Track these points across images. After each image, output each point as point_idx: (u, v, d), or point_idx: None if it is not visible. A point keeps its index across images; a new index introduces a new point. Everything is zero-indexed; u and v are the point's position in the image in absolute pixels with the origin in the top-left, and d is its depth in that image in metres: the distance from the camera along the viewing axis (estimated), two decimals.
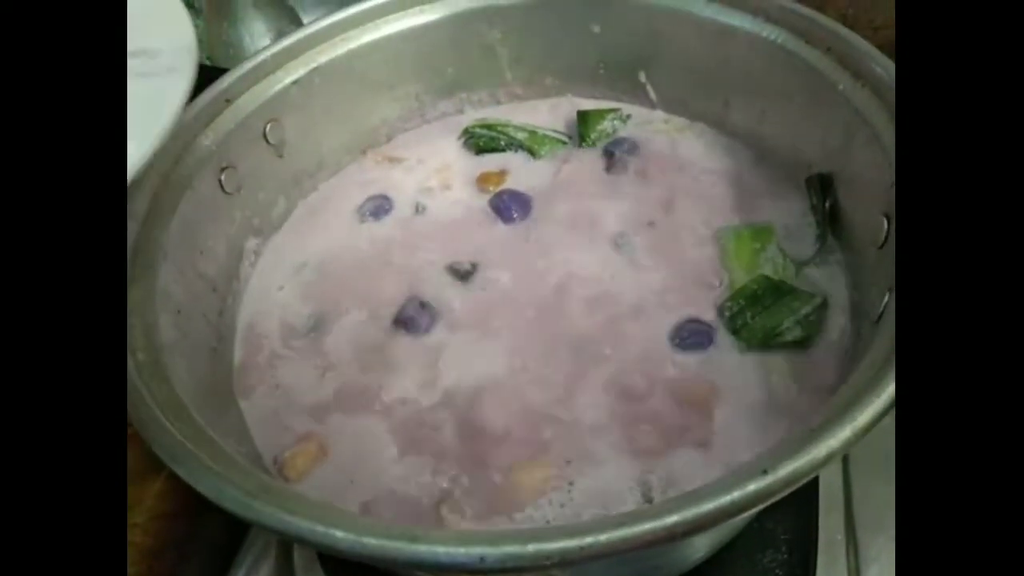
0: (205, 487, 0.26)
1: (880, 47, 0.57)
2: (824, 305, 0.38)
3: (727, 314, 0.39)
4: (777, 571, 0.39)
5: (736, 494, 0.22)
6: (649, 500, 0.32)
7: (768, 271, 0.41)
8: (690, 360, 0.38)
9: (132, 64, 0.33)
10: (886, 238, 0.35)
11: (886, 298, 0.31)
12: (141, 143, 0.31)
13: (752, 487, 0.22)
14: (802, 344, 0.37)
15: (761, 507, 0.23)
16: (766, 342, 0.37)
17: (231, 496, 0.25)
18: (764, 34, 0.44)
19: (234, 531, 0.46)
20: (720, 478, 0.22)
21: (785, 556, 0.40)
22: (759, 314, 0.38)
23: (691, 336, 0.38)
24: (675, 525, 0.21)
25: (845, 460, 0.45)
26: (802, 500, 0.41)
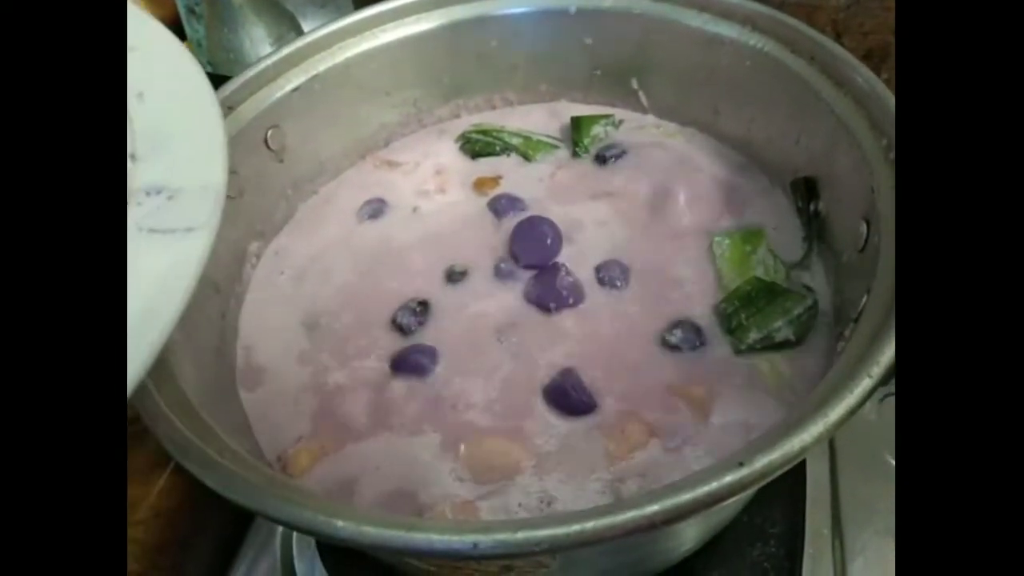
0: (213, 480, 0.27)
1: (870, 51, 0.58)
2: (815, 305, 0.39)
3: (722, 315, 0.40)
4: (765, 564, 0.40)
5: (713, 485, 0.23)
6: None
7: (760, 273, 0.41)
8: (684, 360, 0.38)
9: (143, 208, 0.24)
10: (866, 242, 0.36)
11: (864, 299, 0.32)
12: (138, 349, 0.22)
13: (728, 478, 0.23)
14: (794, 344, 0.38)
15: (738, 497, 0.24)
16: (760, 342, 0.38)
17: (239, 488, 0.26)
18: (751, 43, 0.45)
19: (236, 528, 0.47)
20: (698, 471, 0.24)
21: (773, 550, 0.41)
22: (753, 315, 0.39)
23: (685, 337, 0.39)
24: (655, 514, 0.23)
25: (832, 457, 0.45)
26: (790, 496, 0.42)
